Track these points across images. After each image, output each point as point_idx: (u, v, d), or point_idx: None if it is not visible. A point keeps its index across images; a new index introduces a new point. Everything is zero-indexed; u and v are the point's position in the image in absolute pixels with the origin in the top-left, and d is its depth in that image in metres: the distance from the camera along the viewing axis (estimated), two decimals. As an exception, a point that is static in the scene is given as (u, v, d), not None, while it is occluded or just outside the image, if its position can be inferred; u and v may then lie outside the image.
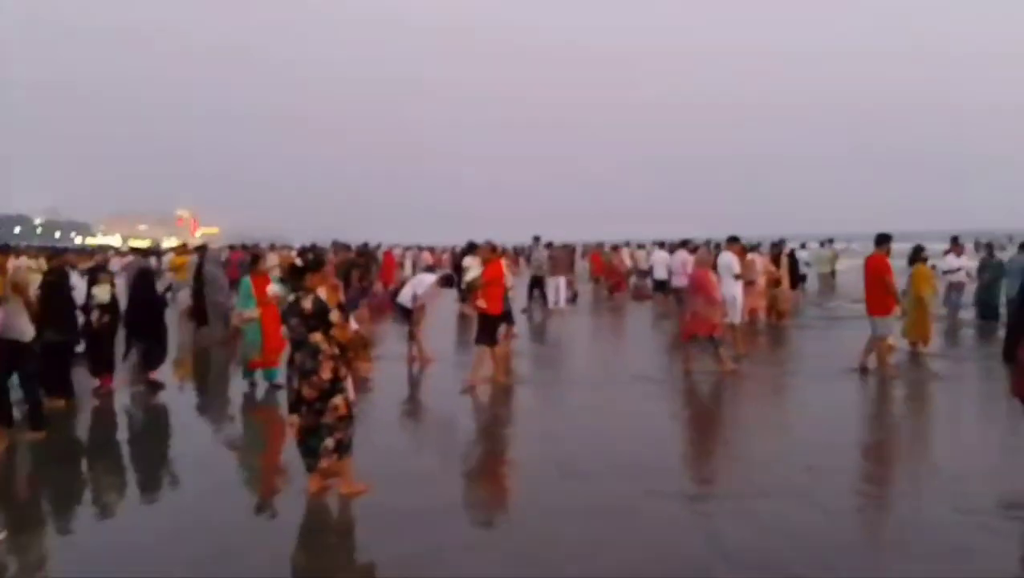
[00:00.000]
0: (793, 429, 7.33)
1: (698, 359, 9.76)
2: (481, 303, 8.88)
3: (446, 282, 10.88)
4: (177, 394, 9.24)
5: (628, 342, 14.14)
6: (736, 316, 11.07)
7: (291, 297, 4.98)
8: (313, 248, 19.17)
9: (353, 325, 5.36)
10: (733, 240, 11.88)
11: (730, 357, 9.81)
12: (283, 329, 4.92)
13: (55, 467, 6.28)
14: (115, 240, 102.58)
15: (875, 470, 6.12)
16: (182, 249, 19.17)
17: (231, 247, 23.90)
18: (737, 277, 11.14)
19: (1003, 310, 13.33)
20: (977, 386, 9.39)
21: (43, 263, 13.69)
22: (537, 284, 17.96)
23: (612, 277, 22.72)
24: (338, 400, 4.88)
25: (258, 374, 8.95)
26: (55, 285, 8.31)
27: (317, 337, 4.84)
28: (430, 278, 10.75)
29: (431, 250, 37.30)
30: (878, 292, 9.33)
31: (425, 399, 8.99)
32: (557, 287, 18.25)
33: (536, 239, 19.81)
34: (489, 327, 8.86)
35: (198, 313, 13.06)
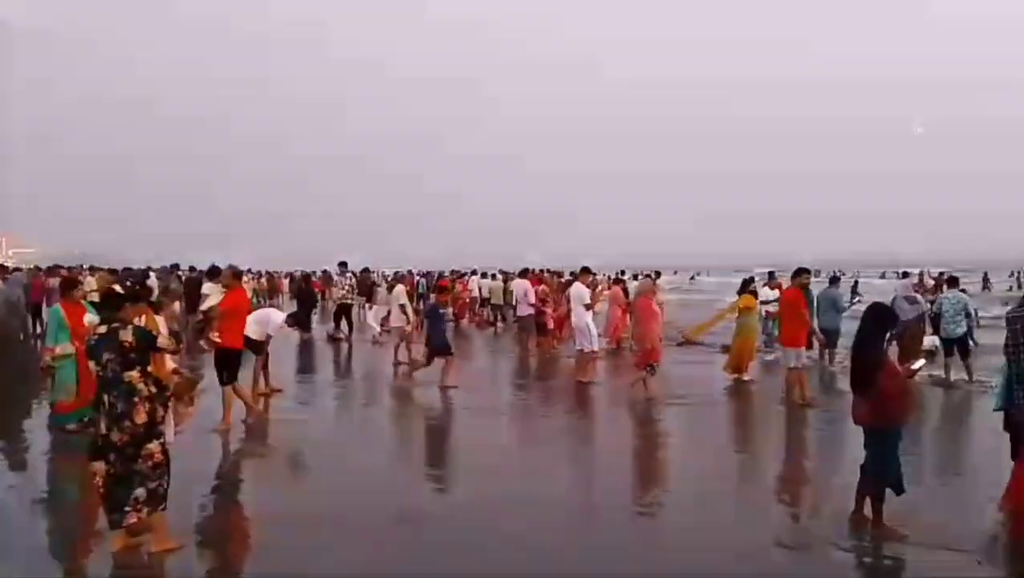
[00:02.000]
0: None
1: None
2: (216, 336, 8.07)
3: (295, 324, 10.56)
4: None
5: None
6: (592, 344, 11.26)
7: (103, 328, 4.30)
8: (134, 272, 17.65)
9: (170, 362, 4.73)
10: (585, 271, 12.14)
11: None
12: (91, 364, 4.22)
13: None
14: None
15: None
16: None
17: (40, 269, 21.63)
18: (587, 306, 11.35)
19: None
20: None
21: None
22: (345, 312, 17.76)
23: (456, 305, 22.67)
24: (153, 446, 4.26)
25: (69, 418, 7.86)
26: None
27: (134, 375, 4.20)
28: (279, 317, 10.08)
29: (269, 275, 36.40)
30: (793, 324, 9.59)
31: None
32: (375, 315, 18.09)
33: (342, 265, 19.48)
34: (229, 363, 8.05)
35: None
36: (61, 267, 20.47)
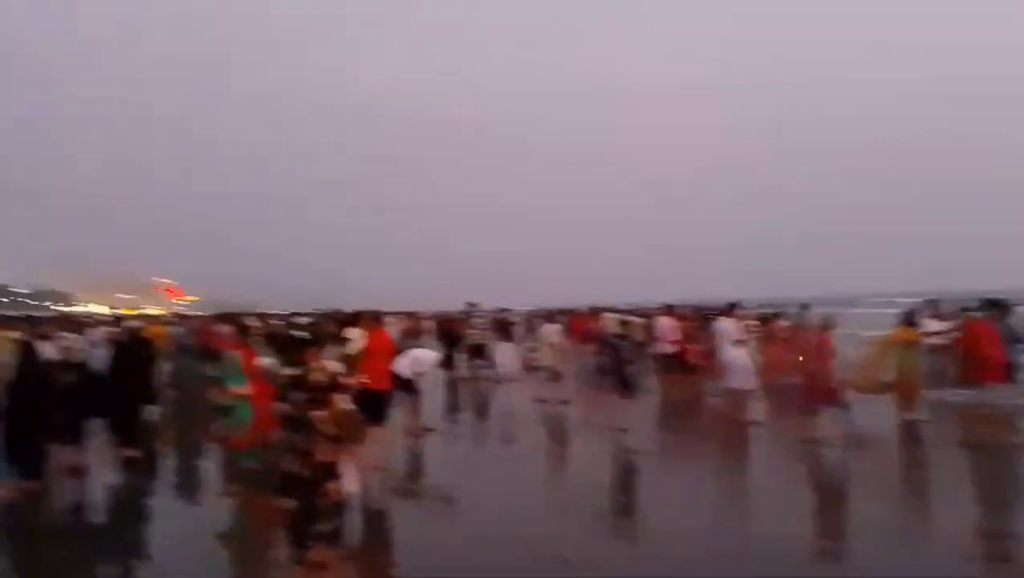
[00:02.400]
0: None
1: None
2: (362, 379, 8.06)
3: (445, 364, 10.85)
4: (156, 473, 8.72)
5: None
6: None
7: (291, 370, 4.57)
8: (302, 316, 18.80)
9: (343, 404, 4.93)
10: (733, 306, 11.77)
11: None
12: (280, 405, 4.48)
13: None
14: (100, 309, 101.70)
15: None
16: (156, 319, 18.74)
17: (211, 316, 23.45)
18: (737, 343, 10.96)
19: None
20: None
21: (18, 335, 13.25)
22: (478, 351, 17.99)
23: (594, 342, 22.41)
24: (334, 485, 4.45)
25: (247, 456, 8.42)
26: (25, 360, 7.88)
27: (319, 415, 4.44)
28: (431, 357, 10.45)
29: (411, 315, 37.47)
30: (982, 359, 9.14)
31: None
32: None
33: (471, 304, 19.96)
34: (377, 405, 8.11)
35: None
36: (229, 314, 22.15)
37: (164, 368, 12.78)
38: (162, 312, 65.67)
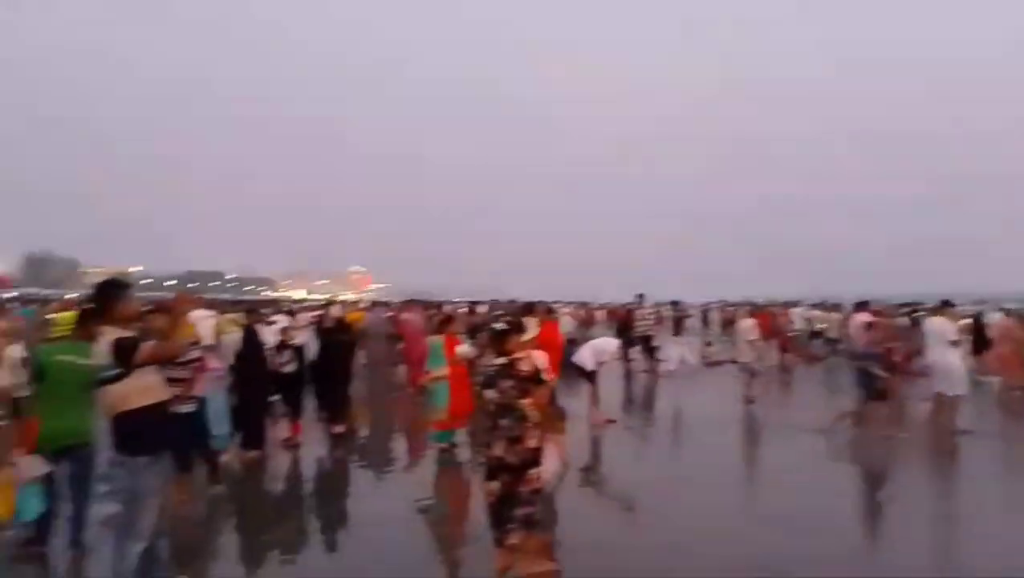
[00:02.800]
0: None
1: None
2: None
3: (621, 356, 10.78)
4: (360, 449, 9.38)
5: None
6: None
7: (501, 359, 4.73)
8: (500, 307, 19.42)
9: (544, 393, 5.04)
10: (946, 304, 10.68)
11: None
12: (489, 393, 4.64)
13: (232, 519, 6.49)
14: (299, 294, 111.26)
15: None
16: (354, 305, 20.02)
17: (402, 303, 24.80)
18: (953, 344, 9.94)
19: None
20: None
21: (240, 317, 14.74)
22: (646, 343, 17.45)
23: (779, 338, 21.28)
24: (536, 471, 4.58)
25: (442, 436, 8.86)
26: (249, 340, 8.73)
27: (526, 403, 4.58)
28: (612, 345, 10.45)
29: (584, 306, 37.29)
30: None
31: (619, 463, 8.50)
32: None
33: (640, 296, 19.30)
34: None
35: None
36: (416, 301, 23.33)
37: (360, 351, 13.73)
38: (356, 297, 70.50)
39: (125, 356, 4.06)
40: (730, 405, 11.98)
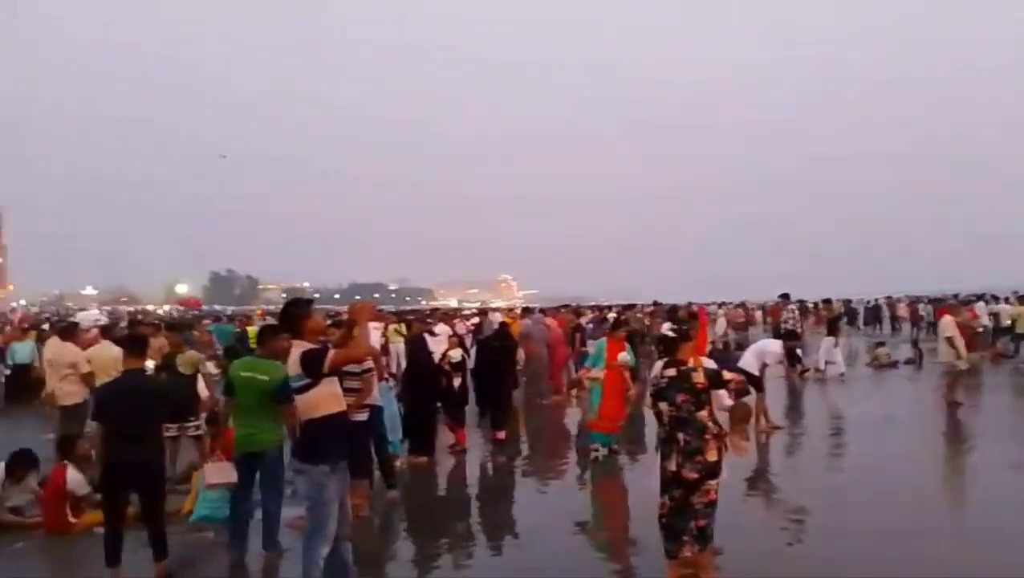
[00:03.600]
0: None
1: None
2: None
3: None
4: (521, 453, 9.51)
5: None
6: None
7: (672, 370, 4.58)
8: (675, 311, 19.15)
9: (727, 398, 4.81)
10: None
11: None
12: (663, 405, 4.51)
13: (405, 523, 6.75)
14: (452, 303, 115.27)
15: None
16: (511, 311, 20.38)
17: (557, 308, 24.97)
18: None
19: None
20: None
21: (403, 328, 15.41)
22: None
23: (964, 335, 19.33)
24: (713, 483, 4.39)
25: (599, 438, 8.82)
26: (416, 350, 9.08)
27: (704, 414, 4.42)
28: (776, 347, 9.94)
29: (742, 306, 35.48)
30: None
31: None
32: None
33: (784, 296, 18.11)
34: None
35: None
36: (567, 306, 23.46)
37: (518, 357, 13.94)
38: (507, 304, 71.90)
39: (313, 366, 4.33)
40: (911, 408, 11.05)
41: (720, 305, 37.41)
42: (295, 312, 4.68)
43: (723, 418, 4.72)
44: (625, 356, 8.51)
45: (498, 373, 10.17)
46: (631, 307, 23.53)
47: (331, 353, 4.40)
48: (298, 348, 4.42)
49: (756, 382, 9.50)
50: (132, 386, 5.29)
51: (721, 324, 25.78)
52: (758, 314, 35.96)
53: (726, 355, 13.74)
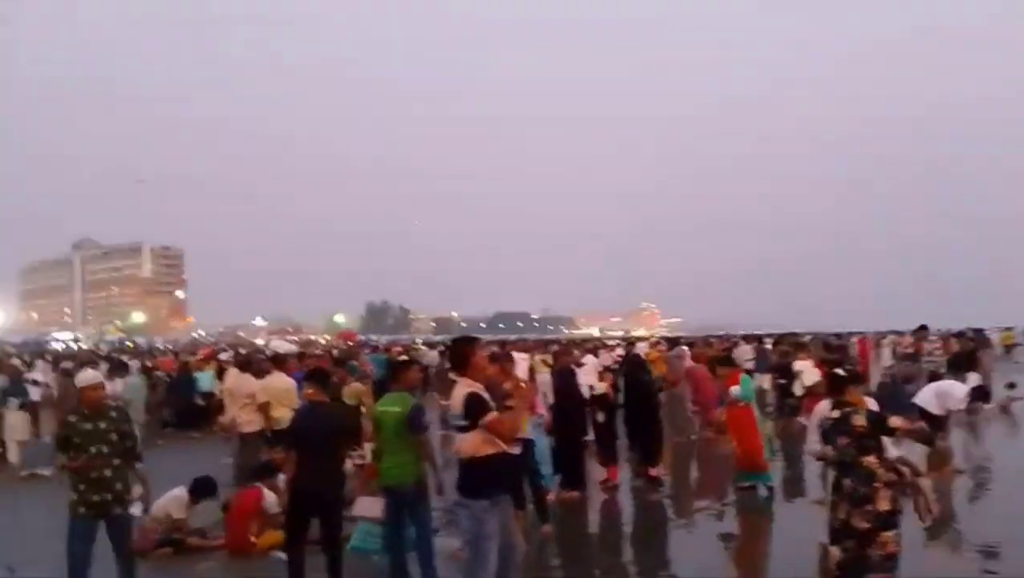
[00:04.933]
0: None
1: None
2: None
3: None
4: (672, 491, 9.28)
5: None
6: None
7: (835, 412, 4.36)
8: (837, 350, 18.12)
9: (892, 448, 4.49)
10: None
11: None
12: (825, 449, 4.30)
13: (560, 557, 6.71)
14: (594, 331, 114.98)
15: None
16: (656, 344, 19.98)
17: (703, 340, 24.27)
18: None
19: None
20: None
21: (549, 359, 15.50)
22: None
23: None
24: (890, 534, 4.09)
25: (746, 477, 8.46)
26: (565, 383, 9.08)
27: (871, 460, 4.16)
28: (961, 391, 9.06)
29: (917, 334, 32.58)
30: None
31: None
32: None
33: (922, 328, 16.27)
34: None
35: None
36: (711, 337, 22.75)
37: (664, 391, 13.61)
38: (648, 334, 70.71)
39: (474, 414, 4.49)
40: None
41: (884, 335, 34.92)
42: (463, 350, 4.87)
43: (918, 456, 4.39)
44: (736, 390, 8.21)
45: (649, 407, 9.97)
46: (784, 337, 22.44)
47: (491, 417, 4.50)
48: (464, 387, 4.60)
49: (935, 423, 8.74)
50: (320, 416, 5.66)
51: (886, 354, 24.00)
52: (926, 346, 33.07)
53: (895, 390, 12.71)
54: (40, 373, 16.63)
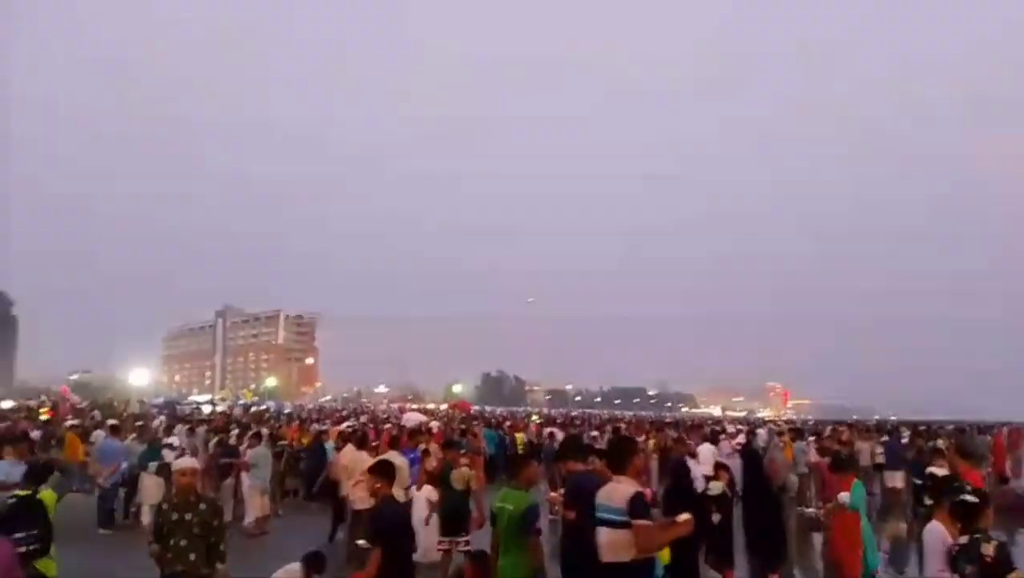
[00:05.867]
0: None
1: None
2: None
3: None
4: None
5: None
6: None
7: (964, 537, 3.96)
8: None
9: None
10: None
11: None
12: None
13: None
14: (715, 410, 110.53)
15: None
16: (781, 435, 18.74)
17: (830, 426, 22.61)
18: None
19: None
20: None
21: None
22: None
23: None
24: None
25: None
26: (677, 477, 8.66)
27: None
28: None
29: None
30: None
31: None
32: None
33: None
34: None
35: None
36: (840, 425, 21.31)
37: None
38: (774, 416, 67.13)
39: (640, 513, 4.51)
40: None
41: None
42: (624, 449, 5.04)
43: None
44: (845, 496, 7.52)
45: (772, 505, 9.31)
46: (921, 431, 20.64)
47: (657, 527, 4.63)
48: (627, 485, 4.64)
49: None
50: (400, 513, 5.73)
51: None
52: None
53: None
54: (177, 438, 17.70)
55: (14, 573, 3.62)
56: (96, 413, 30.06)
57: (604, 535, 4.58)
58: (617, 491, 4.58)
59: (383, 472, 5.91)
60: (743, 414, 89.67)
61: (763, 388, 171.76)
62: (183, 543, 4.75)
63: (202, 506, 4.93)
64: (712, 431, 19.35)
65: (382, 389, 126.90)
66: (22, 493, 5.38)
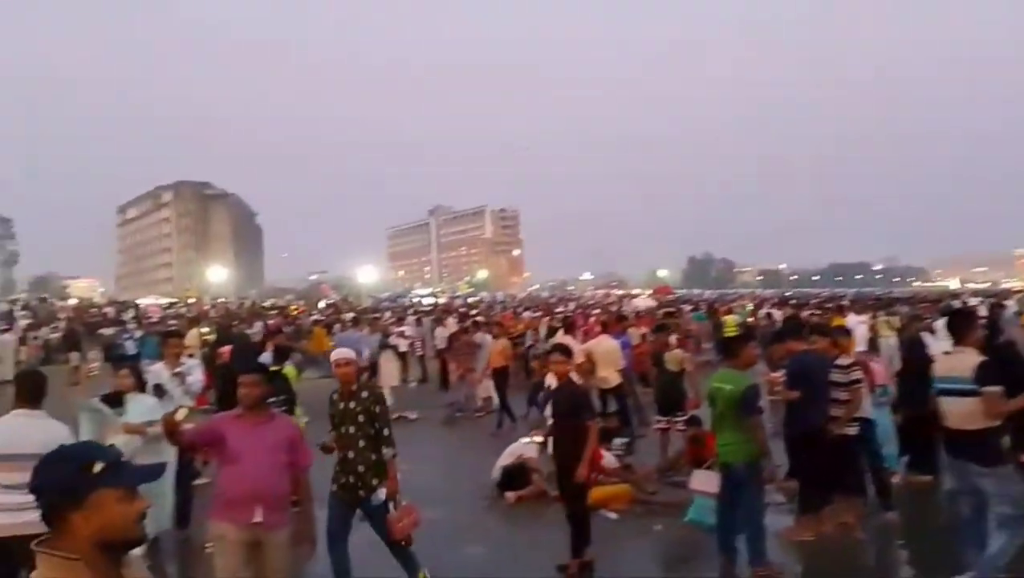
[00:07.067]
0: None
1: None
2: None
3: None
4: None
5: None
6: None
7: None
8: None
9: None
10: None
11: None
12: None
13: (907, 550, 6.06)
14: (953, 284, 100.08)
15: None
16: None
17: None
18: None
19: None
20: None
21: (895, 321, 13.85)
22: None
23: None
24: None
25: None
26: (914, 354, 8.03)
27: None
28: None
29: None
30: None
31: None
32: None
33: None
34: None
35: None
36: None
37: None
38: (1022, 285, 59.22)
39: (987, 381, 4.58)
40: None
41: None
42: (963, 321, 5.13)
43: None
44: None
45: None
46: None
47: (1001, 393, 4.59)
48: (971, 355, 4.74)
49: None
50: (576, 392, 5.79)
51: None
52: None
53: None
54: (408, 327, 19.37)
55: (302, 443, 4.19)
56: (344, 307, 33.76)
57: (951, 404, 4.75)
58: (962, 361, 4.67)
59: (562, 354, 6.02)
60: (985, 285, 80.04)
61: (1010, 255, 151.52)
62: (351, 430, 4.93)
63: (364, 394, 5.01)
64: (948, 306, 17.53)
65: (587, 276, 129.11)
66: (274, 369, 6.77)
